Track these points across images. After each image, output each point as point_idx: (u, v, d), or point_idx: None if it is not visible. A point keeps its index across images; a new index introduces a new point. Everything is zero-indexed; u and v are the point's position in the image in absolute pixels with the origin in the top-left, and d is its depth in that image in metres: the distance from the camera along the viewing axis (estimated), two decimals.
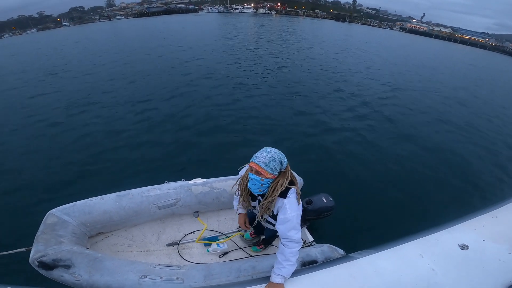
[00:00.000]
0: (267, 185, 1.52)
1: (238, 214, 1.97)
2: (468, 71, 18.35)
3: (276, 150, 1.51)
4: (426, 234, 1.76)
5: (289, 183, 1.53)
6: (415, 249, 1.64)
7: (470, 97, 10.10)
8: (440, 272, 1.49)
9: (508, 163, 5.10)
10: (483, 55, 40.21)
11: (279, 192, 1.49)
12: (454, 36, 78.31)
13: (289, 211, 1.48)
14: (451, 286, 1.43)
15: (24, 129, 5.48)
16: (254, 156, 1.51)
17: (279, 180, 1.50)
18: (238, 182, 1.74)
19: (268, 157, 1.45)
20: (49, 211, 2.08)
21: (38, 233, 1.91)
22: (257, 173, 1.47)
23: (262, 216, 1.66)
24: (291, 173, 1.59)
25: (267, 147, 1.52)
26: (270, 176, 1.48)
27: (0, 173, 4.01)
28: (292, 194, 1.52)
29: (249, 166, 1.51)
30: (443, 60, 23.31)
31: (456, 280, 1.46)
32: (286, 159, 1.53)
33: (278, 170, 1.50)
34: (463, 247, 1.63)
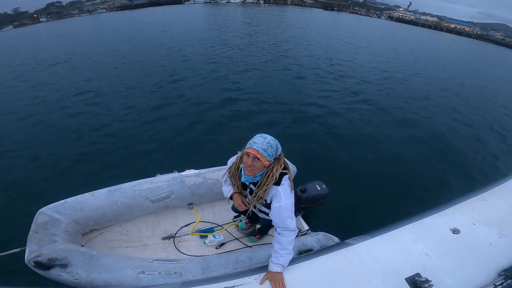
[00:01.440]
0: (258, 176, 1.51)
1: (232, 195, 1.78)
2: (459, 60, 18.67)
3: (272, 137, 1.50)
4: (419, 218, 1.78)
5: (283, 169, 1.52)
6: (408, 234, 1.67)
7: (461, 84, 10.30)
8: (434, 257, 1.52)
9: (494, 146, 5.30)
10: (474, 45, 40.72)
11: (274, 179, 1.48)
12: (440, 25, 79.26)
13: (284, 199, 1.47)
14: (445, 271, 1.45)
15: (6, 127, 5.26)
16: (250, 141, 1.47)
17: (274, 166, 1.49)
18: (228, 169, 1.72)
19: (265, 143, 1.44)
20: (39, 210, 2.02)
21: (30, 233, 1.87)
22: (255, 159, 1.45)
23: (254, 206, 1.63)
24: (284, 160, 1.58)
25: (262, 133, 1.50)
26: (267, 162, 1.47)
27: None
28: (286, 181, 1.51)
29: (246, 152, 1.47)
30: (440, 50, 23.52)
31: (450, 264, 1.49)
32: (280, 146, 1.52)
33: (274, 156, 1.49)
34: (455, 231, 1.67)
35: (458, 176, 4.22)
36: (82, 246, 2.04)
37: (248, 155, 1.46)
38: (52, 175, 3.71)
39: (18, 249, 1.89)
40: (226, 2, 79.65)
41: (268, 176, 1.48)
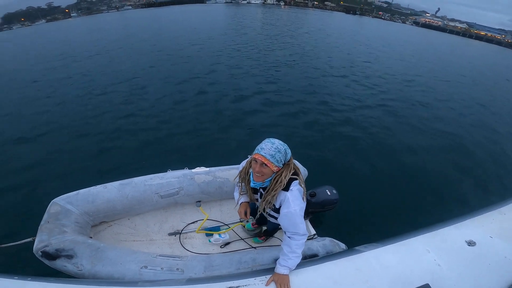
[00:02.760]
0: (267, 181, 1.49)
1: (240, 203, 1.88)
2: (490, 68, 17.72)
3: (280, 141, 1.46)
4: (434, 229, 1.74)
5: (292, 174, 1.49)
6: (421, 244, 1.63)
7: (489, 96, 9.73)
8: (446, 267, 1.49)
9: None
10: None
11: (282, 185, 1.45)
12: (469, 32, 75.70)
13: (292, 205, 1.43)
14: (455, 282, 1.42)
15: (26, 116, 5.55)
16: (258, 147, 1.45)
17: (283, 172, 1.46)
18: (239, 174, 1.71)
19: (273, 148, 1.41)
20: (53, 200, 2.09)
21: (42, 223, 1.92)
22: (262, 165, 1.43)
23: (264, 210, 1.62)
24: (295, 164, 1.55)
25: (270, 138, 1.47)
26: (275, 168, 1.44)
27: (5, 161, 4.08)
28: (295, 186, 1.47)
29: (254, 157, 1.45)
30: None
31: (461, 276, 1.45)
32: (290, 150, 1.49)
33: (283, 161, 1.46)
34: (470, 243, 1.62)
35: (477, 189, 4.01)
36: (91, 237, 2.09)
37: (256, 161, 1.45)
38: (68, 166, 3.87)
39: (31, 239, 1.94)
40: (247, 2, 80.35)
41: (277, 182, 1.46)
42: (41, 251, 1.75)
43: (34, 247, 1.78)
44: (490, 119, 7.03)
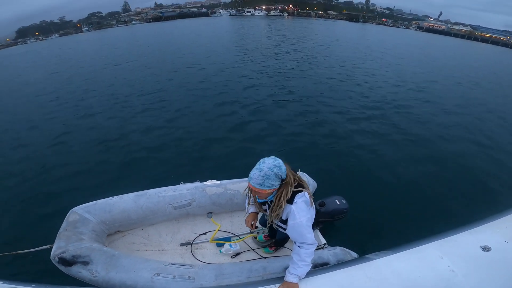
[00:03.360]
0: (271, 196, 1.53)
1: (249, 213, 1.91)
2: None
3: (270, 164, 1.44)
4: (447, 235, 1.71)
5: (298, 186, 1.51)
6: (434, 250, 1.60)
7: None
8: (461, 274, 1.45)
9: None
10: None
11: (284, 202, 1.49)
12: (474, 35, 75.06)
13: (298, 217, 1.47)
14: None
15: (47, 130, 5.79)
16: (249, 175, 1.49)
17: (283, 191, 1.49)
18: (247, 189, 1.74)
19: (261, 176, 1.42)
20: (72, 209, 2.18)
21: (60, 230, 2.00)
22: (256, 193, 1.49)
23: (272, 222, 1.66)
24: (299, 176, 1.57)
25: (261, 161, 1.48)
26: (270, 191, 1.48)
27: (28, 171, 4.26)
28: (300, 199, 1.50)
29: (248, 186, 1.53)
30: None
31: (477, 282, 1.42)
32: (284, 168, 1.47)
33: (278, 182, 1.48)
34: (485, 248, 1.58)
35: (491, 194, 3.92)
36: (106, 246, 2.15)
37: (250, 190, 1.53)
38: (85, 178, 4.02)
39: (47, 246, 2.01)
40: (251, 14, 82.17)
41: (279, 200, 1.50)
42: (58, 257, 1.82)
43: (51, 253, 1.85)
44: (503, 123, 6.89)
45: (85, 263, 1.81)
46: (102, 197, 2.34)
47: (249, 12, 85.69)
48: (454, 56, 21.31)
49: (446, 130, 6.09)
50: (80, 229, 2.05)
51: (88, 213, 2.18)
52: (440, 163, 4.65)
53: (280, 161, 1.48)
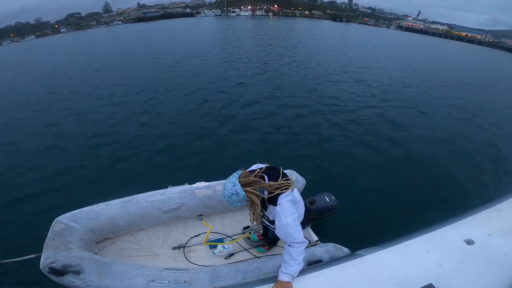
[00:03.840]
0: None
1: None
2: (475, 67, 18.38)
3: (228, 191, 1.48)
4: (432, 229, 1.77)
5: (281, 187, 1.52)
6: (421, 245, 1.65)
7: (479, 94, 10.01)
8: (448, 267, 1.51)
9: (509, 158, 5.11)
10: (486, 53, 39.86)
11: (258, 207, 1.52)
12: (451, 33, 78.33)
13: (283, 218, 1.48)
14: (459, 281, 1.44)
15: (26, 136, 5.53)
16: None
17: (252, 198, 1.51)
18: None
19: (225, 200, 1.52)
20: (56, 218, 2.10)
21: (47, 240, 1.93)
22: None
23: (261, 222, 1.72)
24: (285, 176, 1.59)
25: (225, 182, 1.52)
26: (243, 204, 1.54)
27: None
28: (284, 199, 1.51)
29: None
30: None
31: (464, 275, 1.47)
32: (242, 193, 1.46)
33: (245, 202, 1.52)
34: (469, 242, 1.65)
35: (473, 187, 4.11)
36: (95, 254, 2.09)
37: None
38: (67, 184, 3.87)
39: (34, 255, 1.95)
40: (236, 14, 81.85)
41: (253, 213, 1.58)
42: (48, 268, 1.76)
43: (40, 263, 1.79)
44: (482, 119, 7.22)
45: (77, 272, 1.76)
46: (86, 204, 2.27)
47: (234, 12, 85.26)
48: (430, 55, 22.10)
49: (431, 126, 6.35)
50: (67, 238, 1.99)
51: (73, 222, 2.11)
52: (425, 160, 4.82)
53: (237, 187, 1.46)
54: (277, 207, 1.49)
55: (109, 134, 5.44)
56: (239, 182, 1.47)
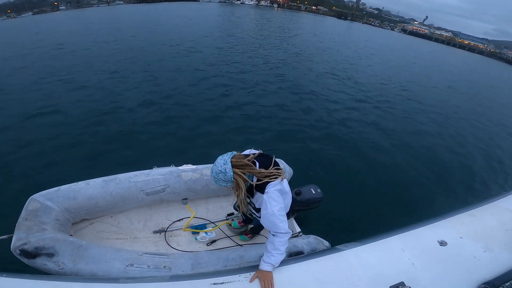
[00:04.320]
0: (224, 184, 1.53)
1: None
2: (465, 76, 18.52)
3: (217, 168, 1.45)
4: (409, 229, 1.81)
5: (271, 176, 1.50)
6: (397, 243, 1.69)
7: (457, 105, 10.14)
8: (420, 267, 1.54)
9: (488, 165, 5.33)
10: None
11: (242, 192, 1.49)
12: (453, 40, 78.66)
13: (269, 207, 1.46)
14: (428, 281, 1.47)
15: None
16: None
17: (238, 181, 1.48)
18: None
19: (212, 176, 1.49)
20: (31, 196, 2.01)
21: (19, 220, 1.84)
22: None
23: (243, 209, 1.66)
24: (277, 164, 1.56)
25: (217, 159, 1.49)
26: (230, 185, 1.50)
27: None
28: (272, 187, 1.49)
29: None
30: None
31: (434, 275, 1.51)
32: (230, 174, 1.44)
33: (230, 183, 1.49)
34: (442, 243, 1.69)
35: (450, 192, 4.25)
36: (71, 235, 2.03)
37: None
38: (49, 161, 3.73)
39: (6, 236, 1.86)
40: (241, 3, 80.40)
41: (237, 197, 1.53)
42: (19, 249, 1.69)
43: (11, 245, 1.71)
44: (460, 126, 7.42)
45: (50, 254, 1.69)
46: (65, 183, 2.17)
47: (239, 0, 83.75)
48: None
49: (413, 129, 6.47)
50: (42, 218, 1.90)
51: (49, 201, 2.02)
52: (409, 160, 4.93)
53: (227, 166, 1.44)
54: (264, 195, 1.47)
55: (97, 110, 5.30)
56: (231, 162, 1.45)
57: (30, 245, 1.69)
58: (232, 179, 1.45)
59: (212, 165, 1.50)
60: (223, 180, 1.46)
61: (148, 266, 1.73)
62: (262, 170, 1.50)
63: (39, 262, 1.67)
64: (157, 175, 2.43)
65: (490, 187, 4.58)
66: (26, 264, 1.71)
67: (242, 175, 1.46)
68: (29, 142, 4.17)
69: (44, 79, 7.17)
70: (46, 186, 2.12)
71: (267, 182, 1.48)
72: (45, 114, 5.13)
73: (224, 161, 1.45)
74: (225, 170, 1.43)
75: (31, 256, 1.68)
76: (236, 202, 1.71)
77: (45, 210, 1.96)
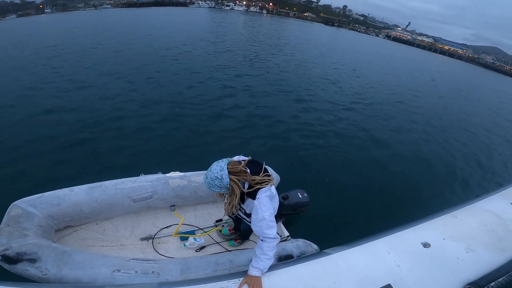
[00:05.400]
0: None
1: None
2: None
3: (213, 174, 1.46)
4: (393, 231, 1.84)
5: (262, 182, 1.52)
6: (383, 246, 1.71)
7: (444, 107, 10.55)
8: (405, 269, 1.57)
9: (469, 167, 5.53)
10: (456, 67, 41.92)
11: (236, 198, 1.51)
12: (434, 46, 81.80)
13: (260, 212, 1.48)
14: (414, 282, 1.50)
15: None
16: None
17: (231, 196, 1.52)
18: None
19: (206, 182, 1.49)
20: (13, 203, 1.97)
21: (1, 226, 1.80)
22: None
23: (233, 213, 1.68)
24: (266, 171, 1.59)
25: (212, 165, 1.50)
26: (223, 191, 1.52)
27: None
28: (263, 193, 1.51)
29: None
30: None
31: (419, 277, 1.54)
32: (226, 180, 1.46)
33: (225, 190, 1.51)
34: (426, 245, 1.73)
35: (434, 194, 4.37)
36: (54, 242, 1.97)
37: None
38: (33, 169, 3.60)
39: None
40: (230, 8, 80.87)
41: (229, 203, 1.55)
42: (0, 255, 1.64)
43: None
44: (445, 129, 7.68)
45: (32, 260, 1.63)
46: (48, 189, 2.12)
47: (228, 6, 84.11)
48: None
49: (398, 133, 6.62)
50: (24, 224, 1.85)
51: (32, 207, 1.97)
52: (392, 164, 5.05)
53: (224, 173, 1.45)
54: (256, 201, 1.50)
55: (82, 117, 5.14)
56: (227, 168, 1.46)
57: (11, 250, 1.65)
58: (228, 185, 1.47)
59: (202, 172, 1.51)
60: (218, 187, 1.47)
61: (136, 272, 1.70)
62: (255, 177, 1.52)
63: (21, 267, 1.62)
64: (144, 182, 2.41)
65: (471, 188, 4.73)
66: (7, 271, 1.65)
67: (238, 182, 1.48)
68: (10, 148, 4.01)
69: (33, 83, 6.96)
70: (28, 193, 2.07)
71: (259, 189, 1.51)
72: (32, 118, 4.98)
73: (220, 167, 1.46)
74: (222, 176, 1.45)
75: (12, 262, 1.63)
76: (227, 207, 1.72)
77: (28, 216, 1.91)
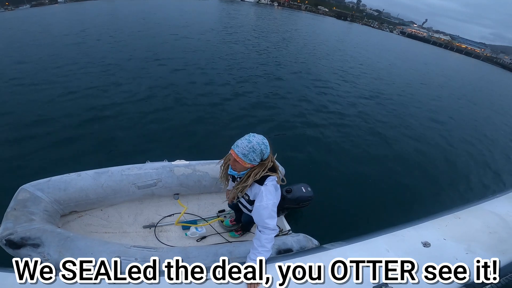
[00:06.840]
0: (243, 172, 1.53)
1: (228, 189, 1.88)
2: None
3: (259, 139, 1.46)
4: (394, 230, 1.84)
5: (270, 170, 1.52)
6: (382, 244, 1.71)
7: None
8: None
9: (476, 168, 5.38)
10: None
11: (252, 180, 1.50)
12: (451, 44, 79.22)
13: (265, 199, 1.47)
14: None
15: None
16: (236, 142, 1.48)
17: (255, 169, 1.50)
18: (224, 158, 1.74)
19: (248, 147, 1.43)
20: (21, 186, 1.99)
21: (8, 209, 1.83)
22: (234, 162, 1.47)
23: (236, 198, 1.66)
24: (275, 162, 1.58)
25: (251, 134, 1.49)
26: (249, 165, 1.47)
27: None
28: (271, 182, 1.51)
29: (230, 152, 1.51)
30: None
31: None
32: (268, 150, 1.49)
33: (258, 160, 1.48)
34: (426, 244, 1.72)
35: (438, 194, 4.30)
36: (59, 227, 2.01)
37: (230, 156, 1.50)
38: (41, 153, 3.69)
39: None
40: (241, 0, 79.88)
41: (249, 177, 1.50)
42: (5, 239, 1.67)
43: None
44: (450, 128, 7.50)
45: (36, 245, 1.67)
46: (57, 173, 2.15)
47: None
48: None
49: (403, 131, 6.48)
50: (31, 208, 1.89)
51: (40, 191, 2.00)
52: (398, 161, 4.96)
53: (267, 141, 1.49)
54: (263, 187, 1.49)
55: (92, 104, 5.21)
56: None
57: (16, 235, 1.68)
58: (267, 155, 1.49)
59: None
60: (260, 152, 1.45)
61: (136, 259, 1.72)
62: (270, 161, 1.54)
63: (24, 252, 1.65)
64: (150, 169, 2.42)
65: (476, 190, 4.62)
66: (8, 257, 1.68)
67: (272, 155, 1.53)
68: (23, 135, 4.12)
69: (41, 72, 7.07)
70: (37, 177, 2.10)
71: (268, 176, 1.50)
72: (41, 106, 5.06)
73: (262, 137, 1.48)
74: (267, 144, 1.48)
75: (16, 247, 1.66)
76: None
77: (35, 200, 1.94)
